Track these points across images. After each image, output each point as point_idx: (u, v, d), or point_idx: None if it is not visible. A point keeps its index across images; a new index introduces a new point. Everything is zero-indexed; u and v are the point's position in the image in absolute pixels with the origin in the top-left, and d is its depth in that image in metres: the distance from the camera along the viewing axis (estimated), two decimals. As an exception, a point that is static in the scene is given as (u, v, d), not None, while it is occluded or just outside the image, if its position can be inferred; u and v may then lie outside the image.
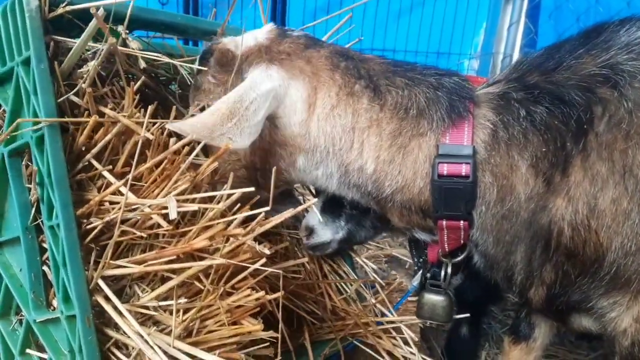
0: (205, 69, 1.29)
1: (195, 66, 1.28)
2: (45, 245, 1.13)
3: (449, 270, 1.45)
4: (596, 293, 1.26)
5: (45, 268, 1.15)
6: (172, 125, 1.10)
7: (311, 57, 1.28)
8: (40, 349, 1.16)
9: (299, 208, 1.10)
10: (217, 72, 1.29)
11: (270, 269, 1.04)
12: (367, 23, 4.07)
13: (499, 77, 1.39)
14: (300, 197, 1.75)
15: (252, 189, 1.07)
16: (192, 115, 1.27)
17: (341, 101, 1.27)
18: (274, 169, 1.18)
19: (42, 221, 1.12)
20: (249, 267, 1.05)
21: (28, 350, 1.16)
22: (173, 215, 0.97)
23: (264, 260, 1.04)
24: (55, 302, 1.13)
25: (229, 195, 1.07)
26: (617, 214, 1.16)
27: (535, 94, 1.25)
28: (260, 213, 1.06)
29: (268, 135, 1.28)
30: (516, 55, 4.54)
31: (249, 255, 1.05)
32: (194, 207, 1.01)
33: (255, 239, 1.08)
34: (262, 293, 1.06)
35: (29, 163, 1.15)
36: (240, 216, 1.04)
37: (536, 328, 1.67)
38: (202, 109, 1.27)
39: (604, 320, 1.30)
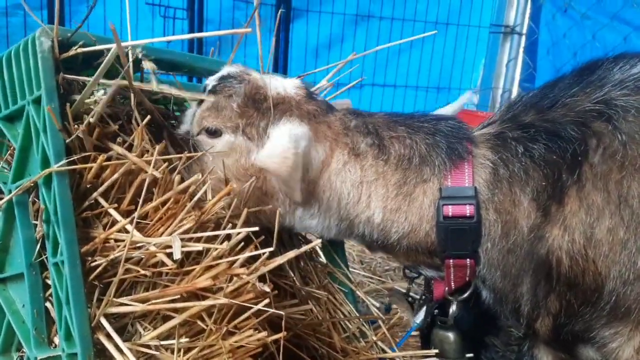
0: (231, 93, 1.31)
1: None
2: (48, 281, 1.13)
3: (454, 307, 1.47)
4: (598, 323, 1.28)
5: (48, 304, 1.15)
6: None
7: (330, 122, 1.35)
8: (41, 386, 1.15)
9: (303, 249, 1.11)
10: (244, 104, 1.30)
11: (272, 310, 1.04)
12: (368, 59, 4.14)
13: (493, 118, 1.45)
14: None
15: (257, 228, 1.08)
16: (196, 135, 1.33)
17: (351, 159, 1.33)
18: (277, 212, 1.21)
19: (46, 258, 1.12)
20: (252, 307, 1.05)
21: (29, 388, 1.15)
22: (177, 256, 0.97)
23: (267, 301, 1.04)
24: (56, 339, 1.13)
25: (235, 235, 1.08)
26: (614, 244, 1.19)
27: (531, 132, 1.30)
28: (264, 253, 1.07)
29: (275, 182, 1.33)
30: (515, 90, 4.64)
31: (252, 295, 1.05)
32: (199, 247, 1.02)
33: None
34: (264, 334, 1.05)
35: (36, 199, 1.16)
36: (243, 257, 1.05)
37: None
38: (207, 129, 1.31)
39: (606, 351, 1.31)
